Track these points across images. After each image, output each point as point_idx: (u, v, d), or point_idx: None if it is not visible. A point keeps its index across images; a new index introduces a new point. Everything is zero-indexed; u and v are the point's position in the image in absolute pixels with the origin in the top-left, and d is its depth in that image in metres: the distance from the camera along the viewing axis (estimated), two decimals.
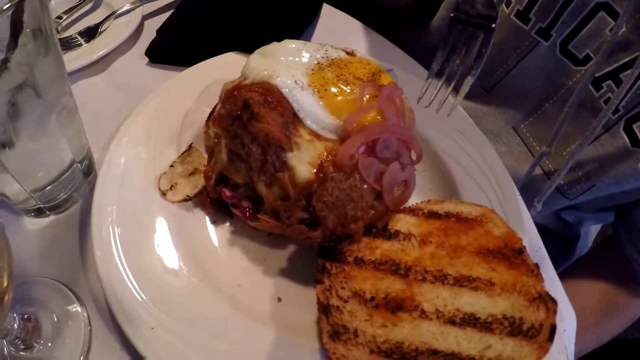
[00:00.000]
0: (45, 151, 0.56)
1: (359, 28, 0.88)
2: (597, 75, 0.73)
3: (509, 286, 0.49)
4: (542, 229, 0.99)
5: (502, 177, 0.66)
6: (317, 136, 0.52)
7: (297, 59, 0.57)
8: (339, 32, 0.87)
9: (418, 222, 0.56)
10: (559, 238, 1.04)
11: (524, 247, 0.52)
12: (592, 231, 1.15)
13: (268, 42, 0.73)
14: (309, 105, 0.52)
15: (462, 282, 0.50)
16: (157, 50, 0.78)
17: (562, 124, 0.73)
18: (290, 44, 0.59)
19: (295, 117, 0.52)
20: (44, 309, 0.55)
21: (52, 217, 0.61)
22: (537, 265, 0.51)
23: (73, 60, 0.73)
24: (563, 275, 0.93)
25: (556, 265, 1.04)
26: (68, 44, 0.77)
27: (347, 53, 0.60)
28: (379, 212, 0.54)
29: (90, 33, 0.79)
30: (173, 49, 0.78)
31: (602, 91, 0.73)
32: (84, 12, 0.86)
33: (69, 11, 0.83)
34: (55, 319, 0.55)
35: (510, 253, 0.52)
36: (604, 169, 0.77)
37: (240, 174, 0.53)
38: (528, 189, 0.82)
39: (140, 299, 0.51)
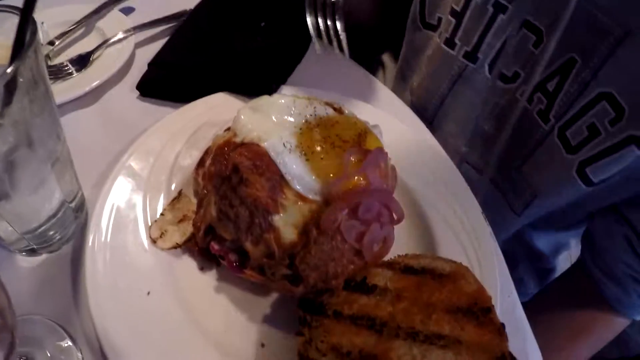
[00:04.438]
0: (39, 198, 0.58)
1: (348, 64, 0.90)
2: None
3: (475, 345, 0.53)
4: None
5: (479, 225, 0.70)
6: (303, 198, 0.55)
7: (286, 117, 0.59)
8: (328, 67, 0.89)
9: (395, 276, 0.59)
10: (534, 269, 1.08)
11: (492, 306, 0.56)
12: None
13: (259, 81, 0.76)
14: (296, 169, 0.55)
15: (432, 339, 0.54)
16: (148, 85, 0.79)
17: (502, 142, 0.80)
18: (281, 100, 0.61)
19: (282, 179, 0.55)
20: (38, 347, 0.58)
21: (44, 256, 0.63)
22: (502, 324, 0.55)
23: (63, 91, 0.74)
24: (531, 301, 0.98)
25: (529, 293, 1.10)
26: (59, 73, 0.78)
27: (335, 109, 0.63)
28: (358, 266, 0.58)
29: (82, 62, 0.79)
30: (164, 84, 0.79)
31: (534, 103, 0.79)
32: (75, 37, 0.86)
33: (62, 36, 0.83)
34: (49, 356, 0.57)
35: (479, 312, 0.56)
36: (542, 178, 0.81)
37: (228, 231, 0.55)
38: None
39: (132, 342, 0.53)
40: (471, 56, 0.81)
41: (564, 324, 0.91)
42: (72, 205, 0.63)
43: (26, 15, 0.46)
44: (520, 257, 1.06)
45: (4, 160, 0.51)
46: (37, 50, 0.48)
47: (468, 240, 0.68)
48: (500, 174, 0.88)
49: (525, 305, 0.68)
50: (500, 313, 0.57)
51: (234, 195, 0.53)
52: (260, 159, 0.54)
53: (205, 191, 0.59)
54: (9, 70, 0.44)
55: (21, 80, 0.47)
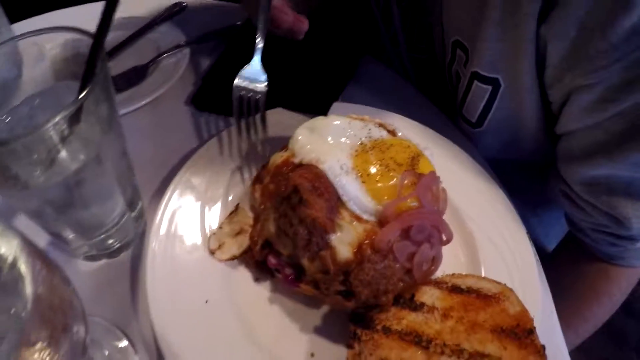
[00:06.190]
0: (104, 210, 0.61)
1: (397, 81, 0.93)
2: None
3: None
4: None
5: (523, 246, 0.71)
6: (358, 218, 0.58)
7: (342, 139, 0.62)
8: (377, 83, 0.91)
9: (442, 295, 0.62)
10: None
11: (534, 327, 0.58)
12: None
13: (315, 99, 0.78)
14: (353, 190, 0.58)
15: (476, 357, 0.57)
16: (203, 99, 0.82)
17: None
18: (336, 121, 0.64)
19: (339, 200, 0.58)
20: (97, 347, 0.61)
21: (104, 261, 0.67)
22: (543, 346, 0.57)
23: (120, 103, 0.77)
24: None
25: None
26: (115, 86, 0.80)
27: (389, 131, 0.65)
28: (407, 284, 0.60)
29: (138, 75, 0.83)
30: (218, 98, 0.81)
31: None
32: (130, 49, 0.90)
33: (117, 49, 0.87)
34: (107, 355, 0.61)
35: (522, 333, 0.58)
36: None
37: (286, 248, 0.58)
38: None
39: (188, 347, 0.57)
40: (395, 40, 0.96)
41: (571, 284, 0.89)
42: (133, 214, 0.67)
43: (99, 42, 0.48)
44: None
45: (74, 177, 0.53)
46: (107, 76, 0.52)
47: (512, 260, 0.70)
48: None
49: None
50: (540, 333, 0.59)
51: (293, 215, 0.56)
52: (318, 181, 0.56)
53: (262, 207, 0.62)
54: (80, 96, 0.47)
55: (91, 103, 0.49)
